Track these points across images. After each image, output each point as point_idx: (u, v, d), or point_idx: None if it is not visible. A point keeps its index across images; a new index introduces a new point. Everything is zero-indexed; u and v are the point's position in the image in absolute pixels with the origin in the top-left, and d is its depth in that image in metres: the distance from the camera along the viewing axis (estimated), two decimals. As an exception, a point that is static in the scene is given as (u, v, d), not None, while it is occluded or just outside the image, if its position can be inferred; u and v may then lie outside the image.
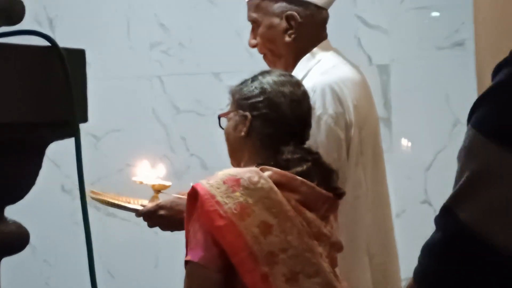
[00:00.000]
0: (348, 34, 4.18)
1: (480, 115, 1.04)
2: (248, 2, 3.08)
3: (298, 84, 2.74)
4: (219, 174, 2.57)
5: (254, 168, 2.59)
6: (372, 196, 3.05)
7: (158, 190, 3.04)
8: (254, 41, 3.08)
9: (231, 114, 2.73)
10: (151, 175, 3.14)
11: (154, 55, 4.71)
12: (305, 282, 2.54)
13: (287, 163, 2.62)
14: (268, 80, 2.70)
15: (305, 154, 2.66)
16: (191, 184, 2.62)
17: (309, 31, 3.05)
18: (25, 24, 1.48)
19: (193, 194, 2.55)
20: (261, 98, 2.67)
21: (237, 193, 2.51)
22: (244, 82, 2.74)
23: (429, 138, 4.27)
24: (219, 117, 2.80)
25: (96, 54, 4.26)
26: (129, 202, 3.04)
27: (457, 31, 4.24)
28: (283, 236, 2.52)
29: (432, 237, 1.06)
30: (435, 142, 4.25)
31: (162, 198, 3.00)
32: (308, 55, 3.05)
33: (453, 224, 1.03)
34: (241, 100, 2.71)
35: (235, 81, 2.79)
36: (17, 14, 1.48)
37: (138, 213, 2.97)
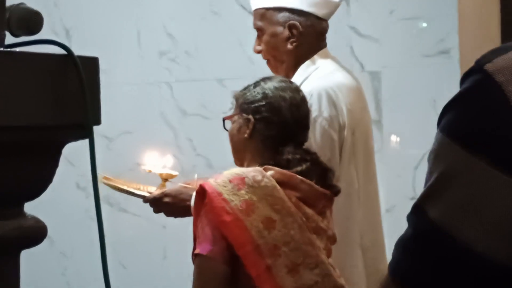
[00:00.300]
0: (342, 43, 4.18)
1: (448, 120, 1.04)
2: (254, 11, 3.10)
3: (297, 89, 2.75)
4: (225, 173, 2.57)
5: (257, 168, 2.59)
6: (364, 193, 3.05)
7: (165, 178, 3.05)
8: (258, 48, 3.10)
9: (235, 117, 2.73)
10: (159, 164, 3.14)
11: (162, 62, 4.71)
12: (305, 273, 2.54)
13: (287, 163, 2.62)
14: (270, 86, 2.70)
15: (304, 155, 2.67)
16: (195, 176, 2.63)
17: (309, 40, 3.06)
18: (43, 34, 1.47)
19: (201, 192, 2.56)
20: (263, 103, 2.67)
21: (243, 191, 2.51)
22: (247, 88, 2.74)
23: (417, 139, 4.26)
24: (223, 120, 2.80)
25: (109, 61, 4.26)
26: (138, 189, 3.04)
27: (443, 40, 4.23)
28: (285, 231, 2.52)
29: (405, 233, 1.06)
30: (423, 143, 4.24)
31: (169, 187, 3.01)
32: (307, 61, 3.06)
33: (423, 221, 1.03)
34: (244, 104, 2.71)
35: (238, 87, 2.79)
36: (35, 24, 1.47)
37: (145, 199, 2.97)
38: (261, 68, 3.13)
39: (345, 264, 2.89)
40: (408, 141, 4.29)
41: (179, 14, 4.68)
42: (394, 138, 4.31)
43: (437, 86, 4.23)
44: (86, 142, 1.42)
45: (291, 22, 3.04)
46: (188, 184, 2.91)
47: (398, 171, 4.21)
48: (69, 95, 1.36)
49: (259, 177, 2.54)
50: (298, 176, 2.60)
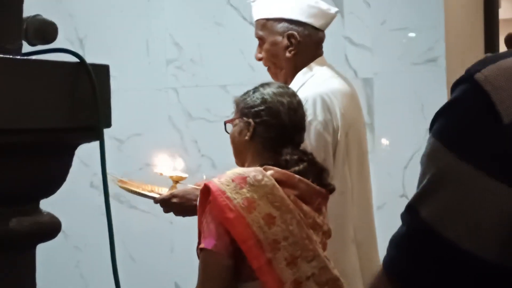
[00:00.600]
0: (337, 52, 4.18)
1: (439, 126, 1.04)
2: (255, 21, 3.11)
3: (294, 94, 2.75)
4: (228, 173, 2.57)
5: (258, 168, 2.59)
6: (357, 191, 3.05)
7: (176, 181, 3.06)
8: (260, 55, 3.11)
9: (236, 121, 2.73)
10: (170, 167, 3.16)
11: (169, 70, 4.71)
12: (303, 265, 2.54)
13: (286, 163, 2.62)
14: (268, 91, 2.70)
15: (301, 155, 2.67)
16: (204, 177, 2.63)
17: (306, 48, 3.07)
18: (58, 43, 1.47)
19: (206, 191, 2.56)
20: (262, 107, 2.67)
21: (244, 190, 2.51)
22: (247, 93, 2.74)
23: (407, 140, 4.26)
24: (225, 123, 2.80)
25: (120, 68, 4.26)
26: (152, 191, 3.06)
27: (431, 49, 4.23)
28: (284, 226, 2.52)
29: (398, 230, 1.06)
30: (412, 144, 4.24)
31: (180, 188, 3.02)
32: (305, 69, 3.06)
33: (415, 220, 1.03)
34: (245, 109, 2.71)
35: (240, 92, 2.79)
36: (51, 34, 1.47)
37: (155, 200, 2.99)
38: (261, 74, 3.13)
39: (340, 258, 2.89)
40: (398, 142, 4.29)
41: (185, 24, 4.68)
42: (385, 139, 4.31)
43: (425, 92, 4.23)
44: (98, 144, 1.42)
45: (290, 32, 3.04)
46: (198, 185, 2.92)
47: (388, 171, 4.21)
48: (81, 100, 1.36)
49: (259, 177, 2.54)
50: (296, 175, 2.60)
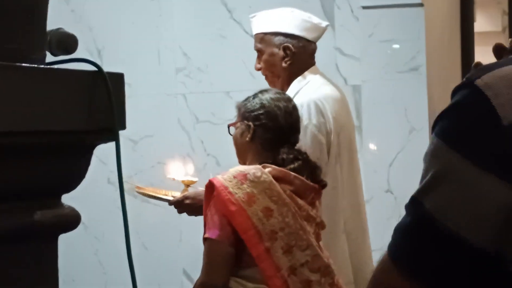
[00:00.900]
0: (329, 61, 4.17)
1: (442, 126, 1.05)
2: (254, 35, 3.12)
3: (289, 99, 2.76)
4: (231, 170, 2.58)
5: (257, 166, 2.59)
6: (347, 187, 3.05)
7: (187, 184, 3.07)
8: (259, 66, 3.11)
9: (238, 124, 2.73)
10: (181, 173, 3.18)
11: (178, 77, 4.70)
12: (298, 253, 2.54)
13: (283, 161, 2.63)
14: (266, 97, 2.70)
15: (297, 154, 2.67)
16: (211, 175, 2.63)
17: (301, 59, 3.07)
18: (78, 53, 1.47)
19: (210, 186, 2.56)
20: (261, 111, 2.67)
21: (245, 185, 2.51)
22: (247, 99, 2.74)
23: (391, 141, 4.25)
24: (228, 126, 2.80)
25: (133, 76, 4.26)
26: (165, 194, 3.08)
27: (413, 59, 4.23)
28: (281, 218, 2.52)
29: (403, 220, 1.07)
30: (396, 145, 4.24)
31: (190, 191, 3.03)
32: (300, 77, 3.07)
33: (420, 211, 1.04)
34: (245, 113, 2.71)
35: (241, 98, 2.79)
36: (71, 46, 1.47)
37: (169, 202, 3.01)
38: (261, 82, 3.13)
39: (332, 246, 2.89)
40: (383, 143, 4.28)
41: (192, 37, 4.68)
42: (372, 140, 4.30)
43: (408, 97, 4.23)
44: (114, 144, 1.42)
45: (286, 44, 3.05)
46: None
47: (375, 168, 4.21)
48: (99, 104, 1.35)
49: (258, 173, 2.54)
50: (291, 172, 2.60)
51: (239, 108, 2.76)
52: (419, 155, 3.91)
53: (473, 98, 1.03)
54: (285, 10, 3.12)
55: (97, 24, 4.77)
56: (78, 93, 1.33)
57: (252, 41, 3.17)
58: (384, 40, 4.27)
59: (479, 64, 1.19)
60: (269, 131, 2.67)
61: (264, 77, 3.13)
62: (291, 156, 2.65)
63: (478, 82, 1.03)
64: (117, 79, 1.40)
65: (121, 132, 1.41)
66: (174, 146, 4.56)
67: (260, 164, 2.61)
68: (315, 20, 3.12)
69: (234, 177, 2.53)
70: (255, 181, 2.52)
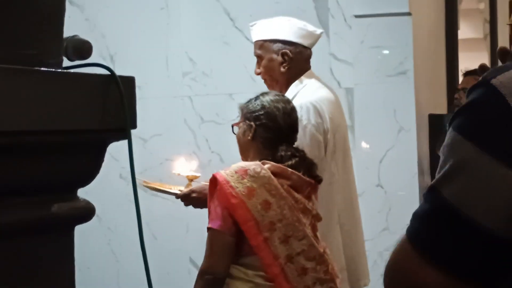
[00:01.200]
0: (323, 66, 4.17)
1: (460, 121, 1.05)
2: (254, 42, 3.12)
3: (288, 101, 2.76)
4: (233, 166, 2.58)
5: (257, 162, 2.59)
6: (342, 182, 3.06)
7: (191, 179, 3.07)
8: (258, 70, 3.11)
9: (241, 124, 2.74)
10: (186, 168, 3.17)
11: (185, 81, 4.70)
12: (294, 243, 2.54)
13: (281, 158, 2.63)
14: (267, 99, 2.70)
15: (294, 152, 2.67)
16: (214, 171, 2.63)
17: (298, 64, 3.07)
18: (92, 58, 1.47)
19: (213, 180, 2.56)
20: (262, 112, 2.67)
21: (245, 180, 2.51)
22: (249, 101, 2.74)
23: (382, 140, 4.25)
24: (232, 126, 2.80)
25: (144, 80, 4.26)
26: (171, 188, 3.07)
27: (401, 64, 4.23)
28: (279, 211, 2.52)
29: (422, 207, 1.07)
30: (386, 143, 4.24)
31: (194, 185, 3.03)
32: (297, 81, 3.07)
33: (438, 199, 1.04)
34: (247, 114, 2.71)
35: (243, 100, 2.79)
36: (86, 51, 1.47)
37: (177, 196, 3.00)
38: (261, 85, 3.14)
39: (327, 236, 2.90)
40: (374, 141, 4.28)
41: (198, 43, 4.68)
42: (363, 139, 4.30)
43: (397, 100, 4.23)
44: (126, 142, 1.42)
45: (284, 50, 3.04)
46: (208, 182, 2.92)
47: (366, 165, 4.21)
48: (112, 105, 1.35)
49: (258, 169, 2.54)
50: (289, 168, 2.60)
51: (241, 109, 2.76)
52: (407, 153, 3.95)
53: (489, 96, 1.04)
54: (283, 19, 3.12)
55: (109, 31, 4.77)
56: (92, 95, 1.33)
57: (252, 48, 3.17)
58: (375, 46, 4.27)
59: (484, 65, 1.20)
60: (269, 130, 2.67)
61: (263, 80, 3.13)
62: (289, 153, 2.65)
63: (494, 81, 1.04)
64: (129, 82, 1.40)
65: (132, 131, 1.41)
66: (181, 144, 4.56)
67: (260, 160, 2.61)
68: (310, 28, 3.12)
69: (236, 172, 2.54)
70: (255, 176, 2.53)
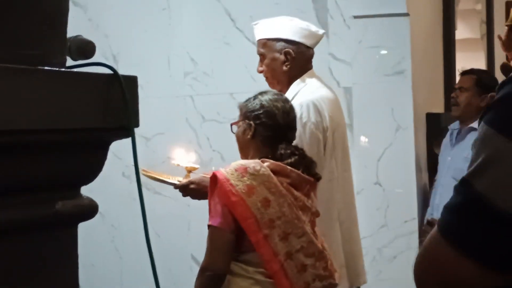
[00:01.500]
0: (323, 66, 4.17)
1: (491, 116, 1.05)
2: (257, 41, 3.12)
3: (286, 100, 2.76)
4: (232, 164, 2.58)
5: (257, 160, 2.59)
6: (342, 180, 3.05)
7: (189, 170, 3.06)
8: (261, 69, 3.11)
9: (240, 123, 2.73)
10: (185, 159, 3.16)
11: (187, 80, 4.70)
12: (293, 240, 2.54)
13: (281, 156, 2.63)
14: (266, 98, 2.70)
15: (294, 150, 2.67)
16: (213, 168, 2.63)
17: (299, 63, 3.07)
18: (95, 58, 1.47)
19: (214, 178, 2.56)
20: (261, 111, 2.67)
21: (245, 178, 2.51)
22: (248, 100, 2.74)
23: (380, 138, 4.25)
24: (231, 125, 2.80)
25: (146, 79, 4.26)
26: (169, 178, 3.05)
27: (399, 63, 4.23)
28: (278, 208, 2.52)
29: (453, 200, 1.06)
30: (384, 142, 4.24)
31: (193, 176, 3.01)
32: (298, 80, 3.06)
33: (470, 192, 1.03)
34: (247, 113, 2.71)
35: (244, 99, 2.79)
36: (89, 51, 1.47)
37: (175, 186, 2.99)
38: (261, 84, 3.13)
39: (327, 234, 2.89)
40: (372, 140, 4.28)
41: (199, 44, 4.68)
42: (362, 137, 4.30)
43: (394, 98, 4.23)
44: (129, 140, 1.42)
45: (286, 49, 3.04)
46: (207, 174, 2.91)
47: (365, 163, 4.21)
48: (115, 104, 1.35)
49: (258, 167, 2.54)
50: (288, 166, 2.60)
51: (240, 108, 2.76)
52: (405, 151, 3.94)
53: None
54: (286, 19, 3.12)
55: (112, 32, 4.77)
56: (95, 94, 1.33)
57: (253, 48, 3.16)
58: (373, 46, 4.27)
59: (505, 64, 1.21)
60: (269, 129, 2.67)
61: (264, 79, 3.13)
62: (289, 151, 2.65)
63: None
64: (131, 82, 1.40)
65: (134, 130, 1.41)
66: (183, 143, 4.56)
67: (260, 159, 2.61)
68: (313, 28, 3.12)
69: (236, 170, 2.54)
70: (255, 174, 2.52)
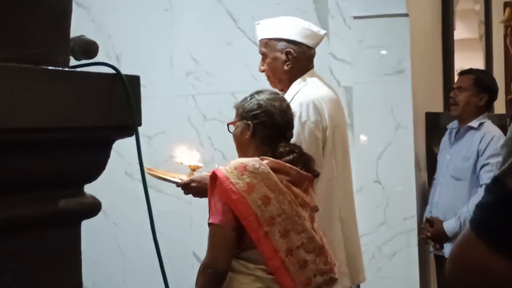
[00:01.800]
0: (324, 65, 4.17)
1: None
2: (259, 40, 3.12)
3: (283, 99, 2.76)
4: (232, 162, 2.58)
5: (256, 158, 2.59)
6: (341, 178, 3.05)
7: (193, 169, 3.05)
8: (262, 68, 3.12)
9: (238, 123, 2.73)
10: (188, 158, 3.16)
11: (189, 80, 4.70)
12: (294, 236, 2.54)
13: (280, 154, 2.63)
14: (263, 97, 2.71)
15: (293, 148, 2.67)
16: (216, 166, 2.62)
17: (301, 63, 3.07)
18: (98, 58, 1.47)
19: (214, 176, 2.56)
20: (259, 111, 2.67)
21: (245, 176, 2.51)
22: (244, 100, 2.74)
23: (379, 137, 4.25)
24: (228, 125, 2.79)
25: (148, 79, 4.26)
26: (173, 177, 3.05)
27: (399, 63, 4.22)
28: (278, 205, 2.52)
29: (485, 198, 1.06)
30: (384, 140, 4.24)
31: (196, 175, 3.02)
32: (299, 79, 3.06)
33: (503, 189, 1.03)
34: (244, 113, 2.71)
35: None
36: (93, 51, 1.47)
37: (177, 184, 3.00)
38: (262, 84, 3.13)
39: (328, 232, 2.90)
40: (372, 139, 4.28)
41: (201, 44, 4.68)
42: (362, 136, 4.30)
43: (394, 98, 4.23)
44: (131, 139, 1.42)
45: (288, 49, 3.04)
46: (209, 172, 2.91)
47: (365, 162, 4.21)
48: (118, 104, 1.35)
49: (257, 165, 2.54)
50: (287, 164, 2.60)
51: (237, 108, 2.76)
52: (404, 150, 3.93)
53: None
54: (288, 19, 3.12)
55: (115, 32, 4.77)
56: (98, 93, 1.33)
57: (254, 48, 3.17)
58: (373, 46, 4.27)
59: None
60: (267, 128, 2.66)
61: (265, 79, 3.13)
62: (288, 149, 2.65)
63: None
64: (134, 81, 1.40)
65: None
66: (185, 142, 4.55)
67: (259, 157, 2.61)
68: (314, 28, 3.12)
69: (235, 168, 2.53)
70: (254, 172, 2.52)
